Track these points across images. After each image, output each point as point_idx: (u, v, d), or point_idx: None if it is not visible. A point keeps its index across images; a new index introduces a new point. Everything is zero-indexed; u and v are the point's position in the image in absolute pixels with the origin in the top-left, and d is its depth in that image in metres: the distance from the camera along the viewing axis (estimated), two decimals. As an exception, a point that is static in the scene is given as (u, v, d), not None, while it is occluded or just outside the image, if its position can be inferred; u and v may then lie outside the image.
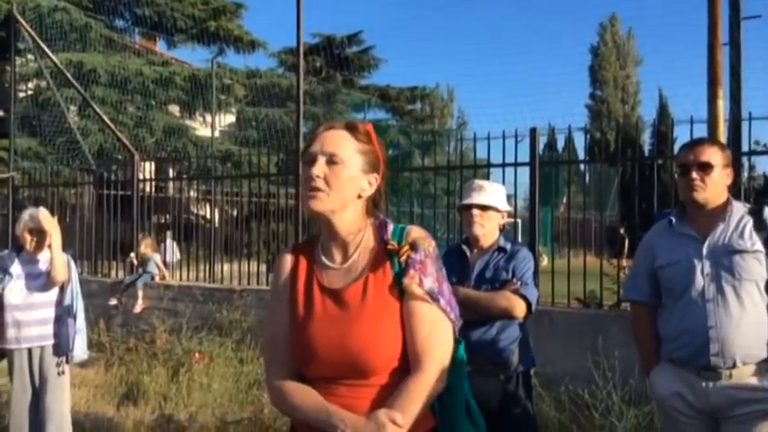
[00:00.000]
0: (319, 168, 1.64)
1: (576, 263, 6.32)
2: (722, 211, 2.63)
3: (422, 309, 1.63)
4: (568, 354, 5.30)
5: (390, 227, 1.71)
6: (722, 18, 5.52)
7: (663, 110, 30.78)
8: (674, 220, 2.70)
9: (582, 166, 8.61)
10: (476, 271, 3.13)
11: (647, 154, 17.23)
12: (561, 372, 5.10)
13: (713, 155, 2.62)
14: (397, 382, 1.59)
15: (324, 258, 1.73)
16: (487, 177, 6.57)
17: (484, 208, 3.15)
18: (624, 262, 6.22)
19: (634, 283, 2.88)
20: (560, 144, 25.76)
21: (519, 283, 3.03)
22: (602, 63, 43.91)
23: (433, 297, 1.63)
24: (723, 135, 5.47)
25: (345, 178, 1.65)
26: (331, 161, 1.65)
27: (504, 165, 6.44)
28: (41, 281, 4.38)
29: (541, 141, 6.86)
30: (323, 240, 1.75)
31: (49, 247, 4.34)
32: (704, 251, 2.58)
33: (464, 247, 3.22)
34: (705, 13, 5.52)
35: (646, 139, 27.88)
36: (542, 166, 6.54)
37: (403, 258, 1.65)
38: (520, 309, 2.99)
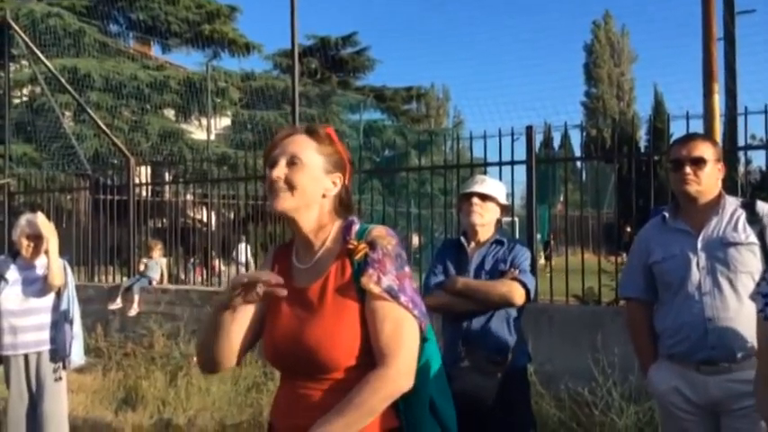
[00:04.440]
0: (280, 170, 1.69)
1: (573, 260, 6.30)
2: (715, 205, 2.64)
3: (383, 307, 1.62)
4: (568, 351, 5.29)
5: (356, 227, 1.72)
6: (716, 13, 5.53)
7: (658, 106, 30.87)
8: (667, 216, 2.71)
9: (578, 164, 8.60)
10: (474, 263, 3.15)
11: (643, 150, 17.25)
12: (561, 369, 5.09)
13: (706, 150, 2.63)
14: (360, 377, 1.59)
15: (295, 259, 1.79)
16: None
17: (484, 197, 3.17)
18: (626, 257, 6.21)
19: (629, 279, 2.87)
20: (556, 142, 25.88)
21: (517, 271, 3.05)
22: (597, 60, 44.01)
23: (393, 295, 1.62)
24: (719, 130, 5.48)
25: (307, 178, 1.69)
26: (292, 162, 1.69)
27: (500, 163, 6.43)
28: (38, 286, 4.36)
29: (538, 139, 6.84)
30: (295, 242, 1.80)
31: (46, 252, 4.32)
32: (699, 245, 2.59)
33: (462, 239, 3.24)
34: (699, 8, 5.52)
35: (642, 135, 27.96)
36: (539, 164, 6.52)
37: (358, 257, 1.66)
38: (519, 295, 3.00)
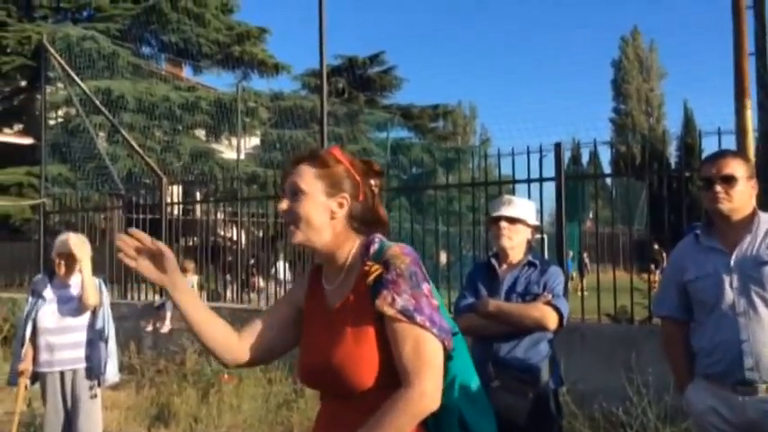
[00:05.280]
0: (284, 203, 1.75)
1: (604, 278, 6.23)
2: (749, 223, 2.60)
3: (401, 329, 1.61)
4: (601, 370, 5.22)
5: (375, 246, 1.70)
6: (747, 28, 5.47)
7: (688, 122, 30.56)
8: (700, 234, 2.68)
9: (608, 180, 8.53)
10: (505, 285, 3.12)
11: (673, 166, 17.05)
12: (594, 389, 5.02)
13: (737, 167, 2.60)
14: (390, 395, 1.58)
15: (323, 280, 1.81)
16: (513, 193, 6.55)
17: (512, 221, 3.15)
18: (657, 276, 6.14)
19: (664, 298, 2.84)
20: (585, 158, 25.65)
21: (551, 295, 3.01)
22: (625, 76, 43.74)
23: (408, 315, 1.60)
24: (752, 146, 5.40)
25: (310, 206, 1.72)
26: (294, 193, 1.74)
27: (529, 180, 6.40)
28: (73, 305, 4.43)
29: (566, 156, 6.80)
30: (322, 263, 1.83)
31: (80, 271, 4.40)
32: (732, 264, 2.56)
33: (493, 261, 3.21)
34: (730, 23, 5.48)
35: (672, 151, 27.62)
36: (568, 181, 6.48)
37: (370, 279, 1.65)
38: (552, 320, 2.97)
